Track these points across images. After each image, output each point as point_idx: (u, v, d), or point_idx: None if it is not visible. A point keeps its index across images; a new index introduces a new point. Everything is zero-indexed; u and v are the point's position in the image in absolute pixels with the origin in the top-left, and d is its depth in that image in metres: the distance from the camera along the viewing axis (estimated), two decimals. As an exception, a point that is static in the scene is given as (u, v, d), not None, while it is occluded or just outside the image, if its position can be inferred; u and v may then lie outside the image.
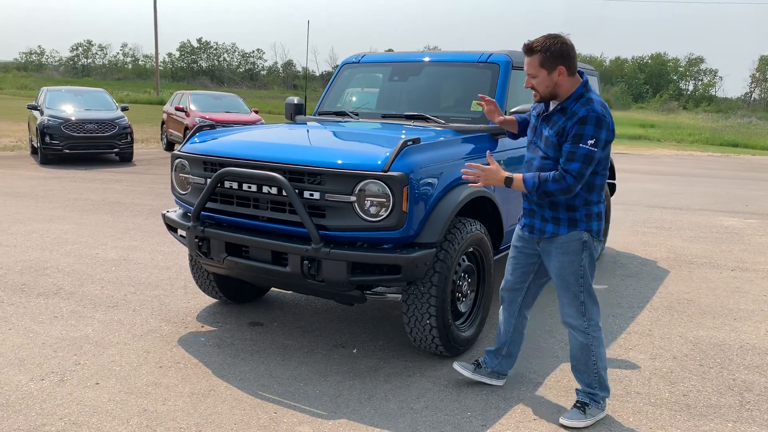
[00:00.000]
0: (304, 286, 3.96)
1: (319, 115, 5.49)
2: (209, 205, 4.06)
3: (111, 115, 14.02)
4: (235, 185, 3.93)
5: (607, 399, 3.38)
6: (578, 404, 3.34)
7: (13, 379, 3.61)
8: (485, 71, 4.82)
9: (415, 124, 4.74)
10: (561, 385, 3.75)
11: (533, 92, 3.21)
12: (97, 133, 13.52)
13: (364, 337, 4.40)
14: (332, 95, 5.62)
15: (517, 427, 3.25)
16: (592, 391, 3.33)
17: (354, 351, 4.15)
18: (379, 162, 3.57)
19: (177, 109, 16.34)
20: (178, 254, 6.42)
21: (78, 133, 13.31)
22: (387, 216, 3.55)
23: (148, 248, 6.67)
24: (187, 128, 15.41)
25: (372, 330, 4.53)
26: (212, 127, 4.60)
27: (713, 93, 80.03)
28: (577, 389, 3.41)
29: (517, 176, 3.18)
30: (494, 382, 3.65)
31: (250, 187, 3.88)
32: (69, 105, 14.24)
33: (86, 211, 8.56)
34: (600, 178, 3.17)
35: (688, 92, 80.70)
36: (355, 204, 3.59)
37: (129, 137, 13.98)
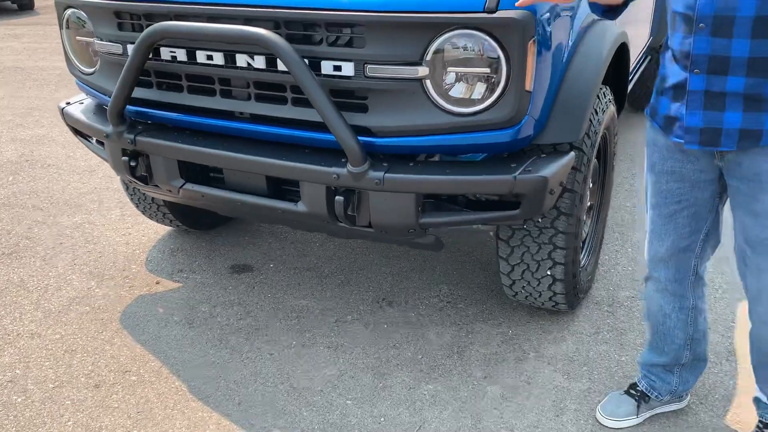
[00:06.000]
0: (331, 230, 2.28)
1: None
2: (138, 92, 2.23)
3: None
4: (182, 55, 2.09)
5: None
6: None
7: None
8: None
9: None
10: None
11: None
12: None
13: (414, 283, 2.82)
14: None
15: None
16: None
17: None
18: (478, -7, 1.77)
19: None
20: (105, 146, 4.54)
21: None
22: (495, 101, 1.82)
23: (61, 139, 4.74)
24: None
25: (419, 268, 2.95)
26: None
27: None
28: (759, 400, 1.86)
29: None
30: (676, 405, 2.06)
31: (211, 58, 2.05)
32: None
33: (-28, 86, 6.40)
34: None
35: None
36: (428, 81, 1.84)
37: (24, -22, 11.19)
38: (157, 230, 3.30)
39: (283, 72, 1.94)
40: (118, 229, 3.33)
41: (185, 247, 3.14)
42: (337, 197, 1.96)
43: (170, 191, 2.33)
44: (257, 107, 2.07)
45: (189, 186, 2.26)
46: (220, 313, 2.61)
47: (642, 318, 2.50)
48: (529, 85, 1.82)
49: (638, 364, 2.06)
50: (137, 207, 3.04)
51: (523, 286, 2.35)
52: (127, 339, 2.47)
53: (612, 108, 2.43)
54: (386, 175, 1.89)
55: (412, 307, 2.63)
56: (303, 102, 1.97)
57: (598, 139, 2.25)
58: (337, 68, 1.88)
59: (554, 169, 1.91)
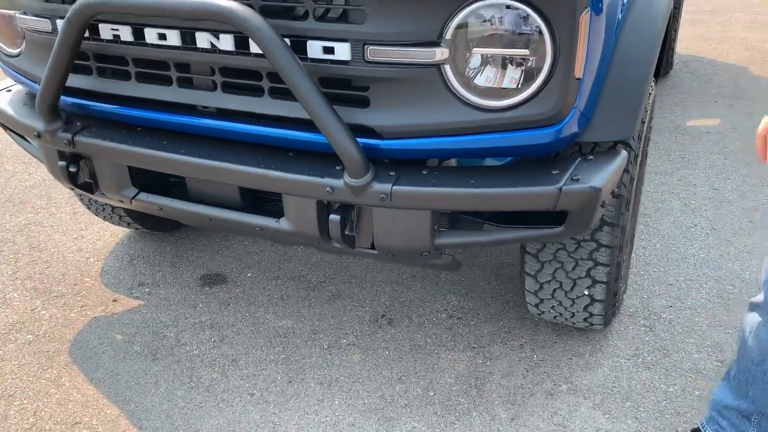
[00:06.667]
0: (322, 248, 1.87)
1: None
2: (75, 80, 1.77)
3: None
4: (126, 33, 1.63)
5: None
6: None
7: None
8: None
9: None
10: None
11: None
12: None
13: (416, 294, 2.43)
14: None
15: None
16: None
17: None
18: (517, -51, 1.34)
19: None
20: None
21: None
22: (536, 92, 1.40)
23: (5, 120, 4.21)
24: None
25: (421, 275, 2.55)
26: None
27: None
28: None
29: None
30: None
31: (164, 37, 1.59)
32: None
33: None
34: None
35: None
36: (448, 67, 1.41)
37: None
38: (114, 231, 2.86)
39: (257, 55, 1.50)
40: (69, 231, 2.88)
41: (147, 252, 2.70)
42: (331, 216, 1.55)
43: (121, 201, 1.89)
44: (225, 100, 1.62)
45: (143, 196, 1.82)
46: (189, 340, 2.20)
47: (685, 335, 2.16)
48: (579, 71, 1.40)
49: (710, 402, 1.69)
50: (89, 209, 2.59)
51: (553, 306, 1.98)
52: (77, 378, 2.05)
53: (654, 90, 2.03)
54: (395, 187, 1.48)
55: (417, 325, 2.24)
56: (284, 93, 1.54)
57: (645, 131, 1.85)
58: (329, 50, 1.44)
59: (606, 175, 1.51)
